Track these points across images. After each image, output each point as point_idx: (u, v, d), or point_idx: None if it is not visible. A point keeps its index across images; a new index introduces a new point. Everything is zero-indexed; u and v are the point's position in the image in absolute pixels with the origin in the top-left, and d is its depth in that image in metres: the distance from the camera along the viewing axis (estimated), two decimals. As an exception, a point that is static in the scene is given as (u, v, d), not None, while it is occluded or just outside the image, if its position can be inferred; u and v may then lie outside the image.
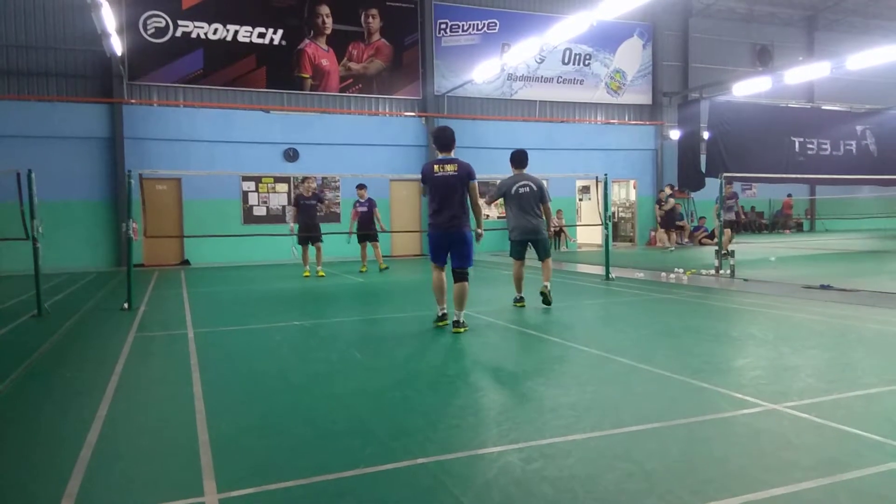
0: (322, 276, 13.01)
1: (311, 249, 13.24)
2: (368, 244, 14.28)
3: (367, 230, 13.92)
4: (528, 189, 7.98)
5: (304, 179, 13.30)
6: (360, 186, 14.03)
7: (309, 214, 12.91)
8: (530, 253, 8.29)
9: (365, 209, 13.90)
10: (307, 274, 13.05)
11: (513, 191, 8.03)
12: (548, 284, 8.10)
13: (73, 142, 16.49)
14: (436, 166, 6.65)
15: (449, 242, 6.67)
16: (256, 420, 3.92)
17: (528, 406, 4.17)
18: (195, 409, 4.11)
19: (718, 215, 12.71)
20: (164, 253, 17.11)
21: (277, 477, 3.00)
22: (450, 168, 6.62)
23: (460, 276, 6.67)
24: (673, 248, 18.74)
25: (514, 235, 8.19)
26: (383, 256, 18.87)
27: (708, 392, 4.27)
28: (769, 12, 25.27)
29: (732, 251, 14.50)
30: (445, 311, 6.92)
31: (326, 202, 13.64)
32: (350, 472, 3.03)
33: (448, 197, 6.57)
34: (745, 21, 25.05)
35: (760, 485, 2.79)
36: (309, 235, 12.94)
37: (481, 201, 6.99)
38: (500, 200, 8.52)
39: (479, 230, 7.17)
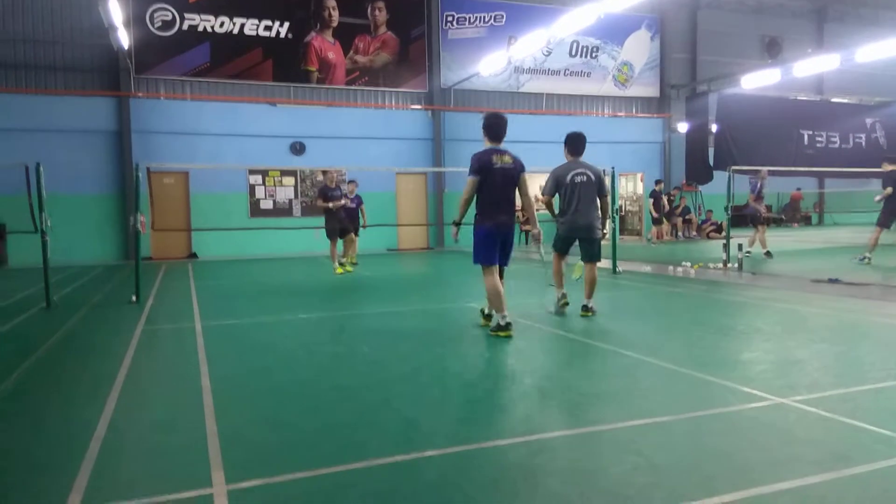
0: (345, 271, 12.42)
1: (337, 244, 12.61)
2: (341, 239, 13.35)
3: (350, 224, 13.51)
4: (585, 178, 7.04)
5: (325, 172, 12.85)
6: (351, 182, 13.77)
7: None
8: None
9: (353, 206, 13.64)
10: (340, 271, 12.32)
11: (567, 179, 7.05)
12: (590, 304, 7.14)
13: (81, 135, 16.55)
14: (494, 156, 5.98)
15: (504, 240, 6.14)
16: (264, 412, 3.94)
17: (535, 399, 4.18)
18: (203, 401, 4.13)
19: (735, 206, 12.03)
20: (172, 246, 17.19)
21: (285, 469, 3.01)
22: (506, 159, 6.03)
23: (501, 272, 6.34)
24: (655, 243, 18.70)
25: (563, 230, 7.23)
26: (391, 249, 18.96)
27: (715, 386, 4.27)
28: (778, 4, 25.06)
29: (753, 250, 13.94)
30: (508, 317, 6.03)
31: (346, 194, 13.02)
32: (357, 465, 3.05)
33: (506, 191, 6.07)
34: (754, 13, 24.86)
35: (767, 479, 2.79)
36: (341, 228, 12.42)
37: (538, 197, 6.35)
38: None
39: (536, 230, 6.71)
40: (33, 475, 3.10)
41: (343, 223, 12.45)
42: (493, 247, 6.09)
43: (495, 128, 6.14)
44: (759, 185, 14.36)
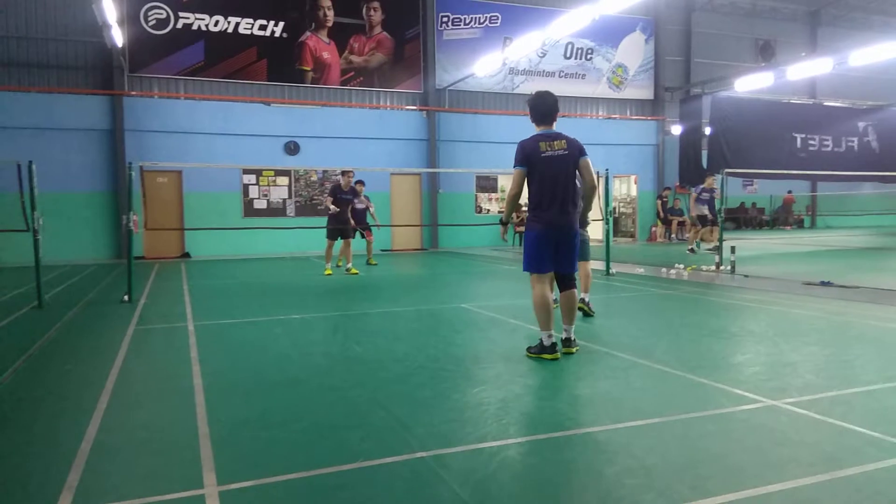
0: (355, 273, 12.16)
1: (339, 245, 12.50)
2: (342, 241, 12.75)
3: (355, 227, 13.14)
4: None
5: (344, 173, 12.37)
6: (359, 182, 13.05)
7: (342, 207, 12.18)
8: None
9: (361, 207, 13.24)
10: (329, 272, 12.15)
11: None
12: (586, 297, 7.08)
13: (74, 133, 16.48)
14: (542, 143, 5.09)
15: (559, 243, 5.19)
16: (256, 413, 3.93)
17: (528, 400, 4.18)
18: (195, 401, 4.12)
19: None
20: (165, 245, 17.12)
21: (277, 470, 3.01)
22: (559, 145, 5.11)
23: (569, 282, 5.34)
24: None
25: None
26: (385, 250, 18.91)
27: (707, 388, 4.28)
28: (772, 7, 25.19)
29: (699, 245, 15.25)
30: (554, 337, 5.23)
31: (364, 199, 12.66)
32: (349, 466, 3.04)
33: (560, 183, 5.09)
34: (748, 16, 24.98)
35: (759, 481, 2.80)
36: (341, 229, 12.16)
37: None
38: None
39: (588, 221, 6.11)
40: (25, 475, 3.08)
41: (345, 225, 12.24)
42: (545, 252, 5.18)
43: (540, 108, 5.24)
44: (700, 189, 15.54)
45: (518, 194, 5.23)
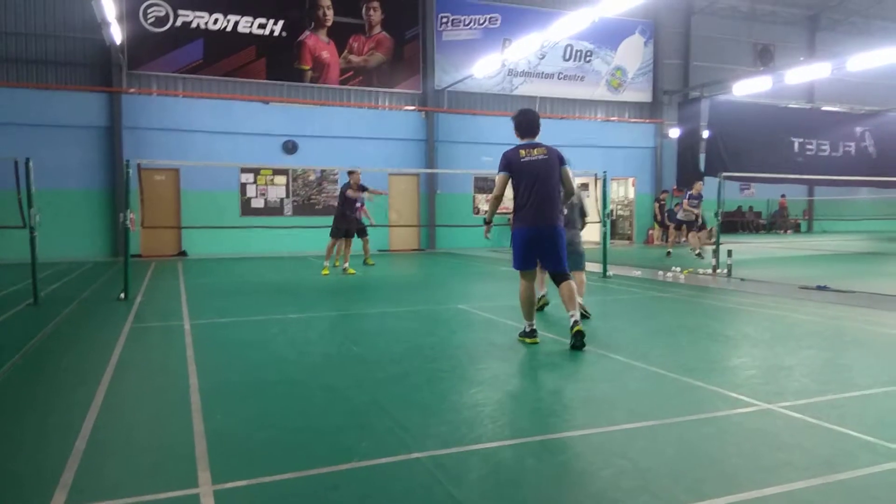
0: (352, 273, 12.09)
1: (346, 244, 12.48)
2: (343, 240, 12.67)
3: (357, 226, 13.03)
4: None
5: (351, 172, 12.25)
6: (353, 172, 12.60)
7: (350, 206, 12.21)
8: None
9: (360, 204, 13.42)
10: (326, 272, 12.00)
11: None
12: (579, 300, 6.89)
13: (72, 130, 16.44)
14: (521, 151, 5.63)
15: (540, 242, 5.65)
16: (252, 412, 3.92)
17: (523, 402, 4.18)
18: (190, 400, 4.10)
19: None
20: (162, 244, 17.08)
21: (272, 469, 3.00)
22: (538, 151, 5.61)
23: (561, 277, 5.71)
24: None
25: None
26: (382, 250, 18.91)
27: (702, 391, 4.28)
28: (771, 11, 25.23)
29: (669, 252, 15.88)
30: (535, 325, 5.86)
31: (370, 191, 12.64)
32: (345, 466, 3.04)
33: (538, 186, 5.54)
34: (747, 20, 25.02)
35: (754, 484, 2.80)
36: (346, 228, 12.16)
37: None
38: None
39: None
40: (18, 472, 3.07)
41: (352, 225, 12.25)
42: (527, 250, 5.69)
43: (522, 123, 5.81)
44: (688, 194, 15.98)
45: (499, 196, 5.68)
